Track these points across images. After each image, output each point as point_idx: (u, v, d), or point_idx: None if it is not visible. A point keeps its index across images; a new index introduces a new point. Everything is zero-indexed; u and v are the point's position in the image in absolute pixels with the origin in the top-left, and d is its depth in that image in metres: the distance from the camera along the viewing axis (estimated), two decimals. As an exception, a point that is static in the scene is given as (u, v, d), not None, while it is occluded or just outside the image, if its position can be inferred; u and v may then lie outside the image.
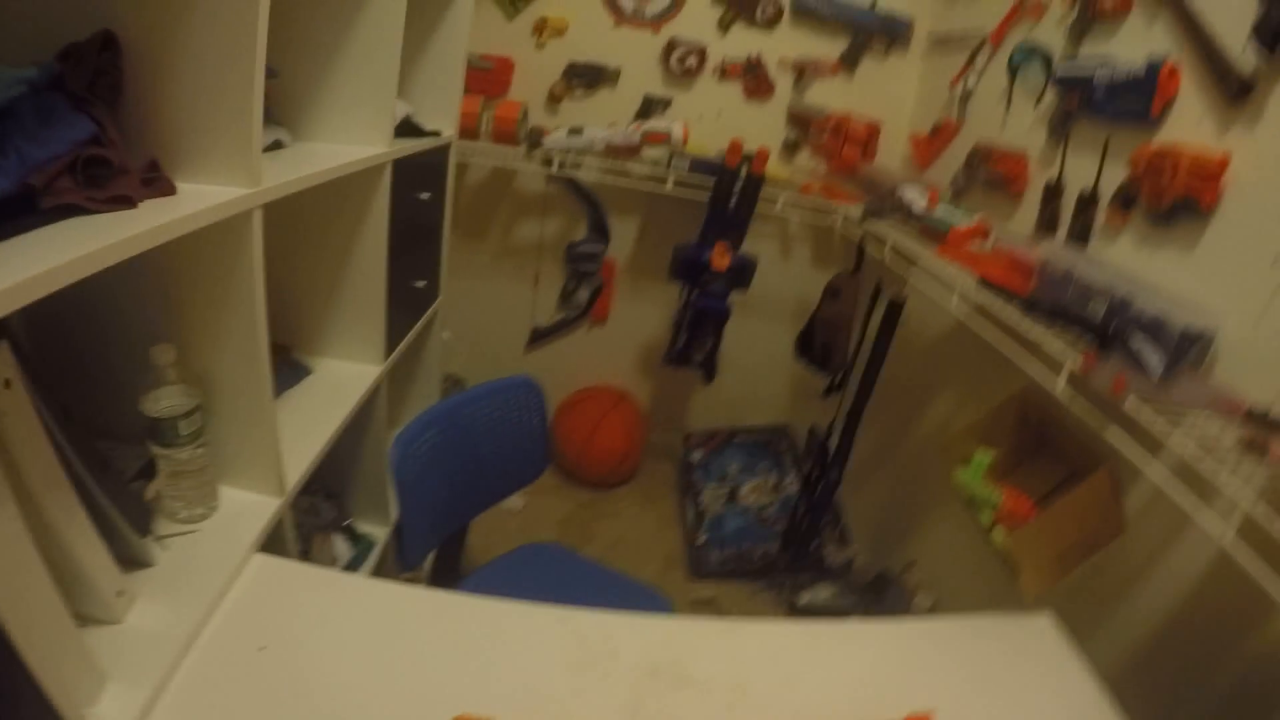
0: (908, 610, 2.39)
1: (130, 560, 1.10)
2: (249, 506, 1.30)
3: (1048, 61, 1.97)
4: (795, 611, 2.61)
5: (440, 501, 1.60)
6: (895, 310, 2.27)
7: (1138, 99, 1.57)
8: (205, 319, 1.18)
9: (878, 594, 2.54)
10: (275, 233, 1.58)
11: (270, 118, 1.46)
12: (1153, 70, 1.53)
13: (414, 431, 1.52)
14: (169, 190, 1.01)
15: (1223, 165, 1.38)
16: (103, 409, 1.22)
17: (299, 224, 1.66)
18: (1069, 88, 1.82)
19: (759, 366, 3.30)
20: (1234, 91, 1.38)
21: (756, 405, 3.38)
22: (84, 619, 0.98)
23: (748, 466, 3.11)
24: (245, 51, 1.01)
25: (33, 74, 0.90)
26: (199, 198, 1.02)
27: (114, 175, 0.93)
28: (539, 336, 3.27)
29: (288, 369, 1.68)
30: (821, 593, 2.63)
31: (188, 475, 1.21)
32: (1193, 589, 1.39)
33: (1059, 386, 1.37)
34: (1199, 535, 1.09)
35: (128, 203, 0.93)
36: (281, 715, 0.95)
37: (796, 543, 2.70)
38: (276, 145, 1.45)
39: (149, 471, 1.22)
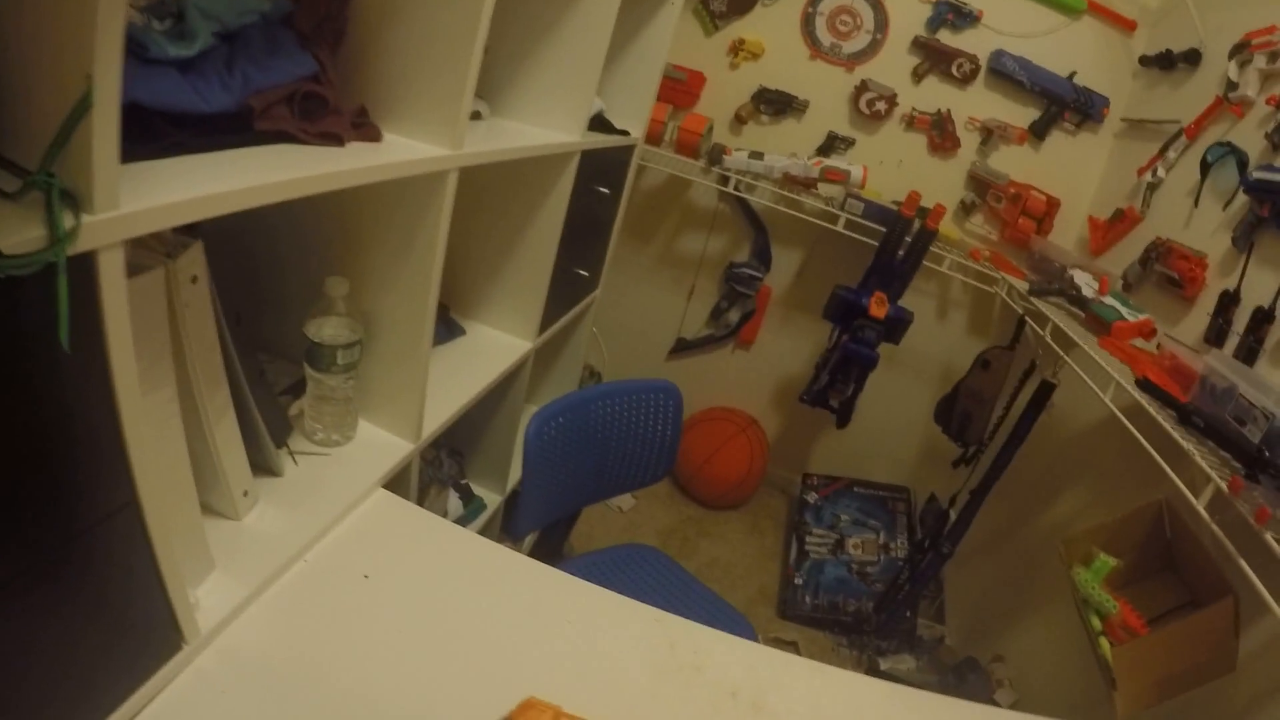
0: (988, 702, 2.32)
1: (262, 466, 1.17)
2: (383, 444, 1.37)
3: (1243, 164, 1.89)
4: (875, 675, 2.55)
5: (559, 483, 1.65)
6: (1046, 392, 2.20)
7: None
8: (383, 264, 1.26)
9: (960, 678, 2.46)
10: (460, 196, 1.69)
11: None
12: None
13: (553, 411, 1.58)
14: (376, 137, 1.08)
15: None
16: (269, 324, 1.32)
17: (483, 193, 1.75)
18: (1262, 194, 1.73)
19: (892, 423, 3.25)
20: None
21: (881, 461, 3.31)
22: (210, 510, 1.05)
23: (860, 520, 3.06)
24: (470, 19, 1.07)
25: (267, 6, 0.96)
26: (403, 150, 1.08)
27: (327, 113, 0.99)
28: (682, 347, 3.31)
29: (443, 326, 1.76)
30: (904, 663, 2.57)
31: (333, 402, 1.28)
32: None
33: (1202, 504, 1.29)
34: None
35: (336, 140, 1.00)
36: (368, 642, 0.99)
37: (891, 608, 2.65)
38: (476, 116, 1.52)
39: (297, 390, 1.30)
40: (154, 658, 0.83)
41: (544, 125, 1.67)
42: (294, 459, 1.24)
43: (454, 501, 1.96)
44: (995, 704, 2.27)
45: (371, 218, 1.23)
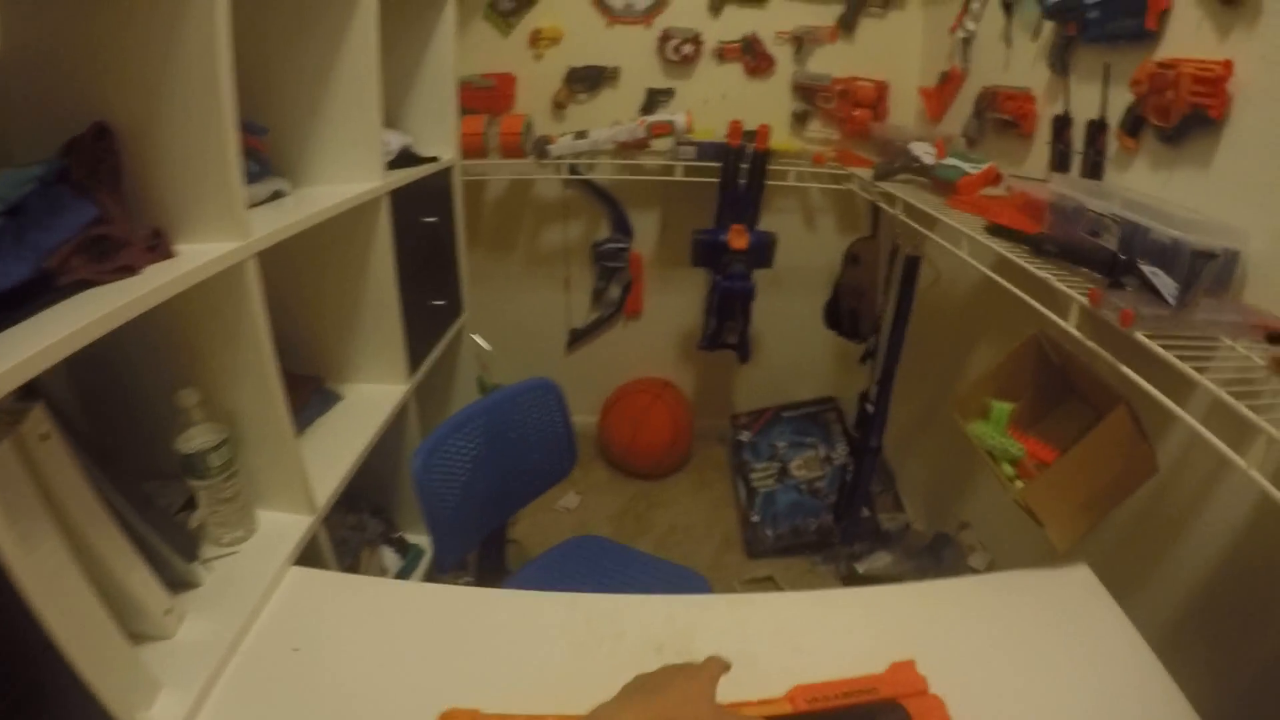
0: (965, 570, 2.40)
1: (179, 583, 1.21)
2: (285, 525, 1.40)
3: None
4: (854, 581, 2.63)
5: (469, 506, 1.68)
6: (912, 267, 2.27)
7: (1132, 16, 1.53)
8: (222, 362, 1.29)
9: (935, 557, 2.54)
10: (291, 273, 1.73)
11: (270, 171, 1.56)
12: None
13: (434, 441, 1.60)
14: (168, 254, 1.12)
15: (1226, 70, 1.32)
16: (148, 451, 1.34)
17: (313, 262, 1.76)
18: (1064, 15, 1.78)
19: (798, 341, 3.32)
20: None
21: (801, 380, 3.40)
22: (140, 637, 1.09)
23: (796, 441, 3.13)
24: (216, 115, 1.12)
25: (39, 170, 1.01)
26: (194, 257, 1.12)
27: (119, 248, 1.04)
28: (577, 337, 3.35)
29: (319, 398, 1.78)
30: (879, 560, 2.64)
31: (224, 503, 1.32)
32: (1240, 534, 1.34)
33: (1070, 325, 1.32)
34: (1242, 476, 0.95)
35: (130, 271, 1.04)
36: (311, 707, 1.04)
37: (848, 512, 2.73)
38: (277, 195, 1.54)
39: (193, 504, 1.33)
40: None
41: (345, 180, 1.69)
42: (207, 567, 1.28)
43: (390, 557, 1.99)
44: (972, 569, 2.35)
45: (196, 325, 1.26)
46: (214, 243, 1.17)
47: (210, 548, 1.33)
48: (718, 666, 0.81)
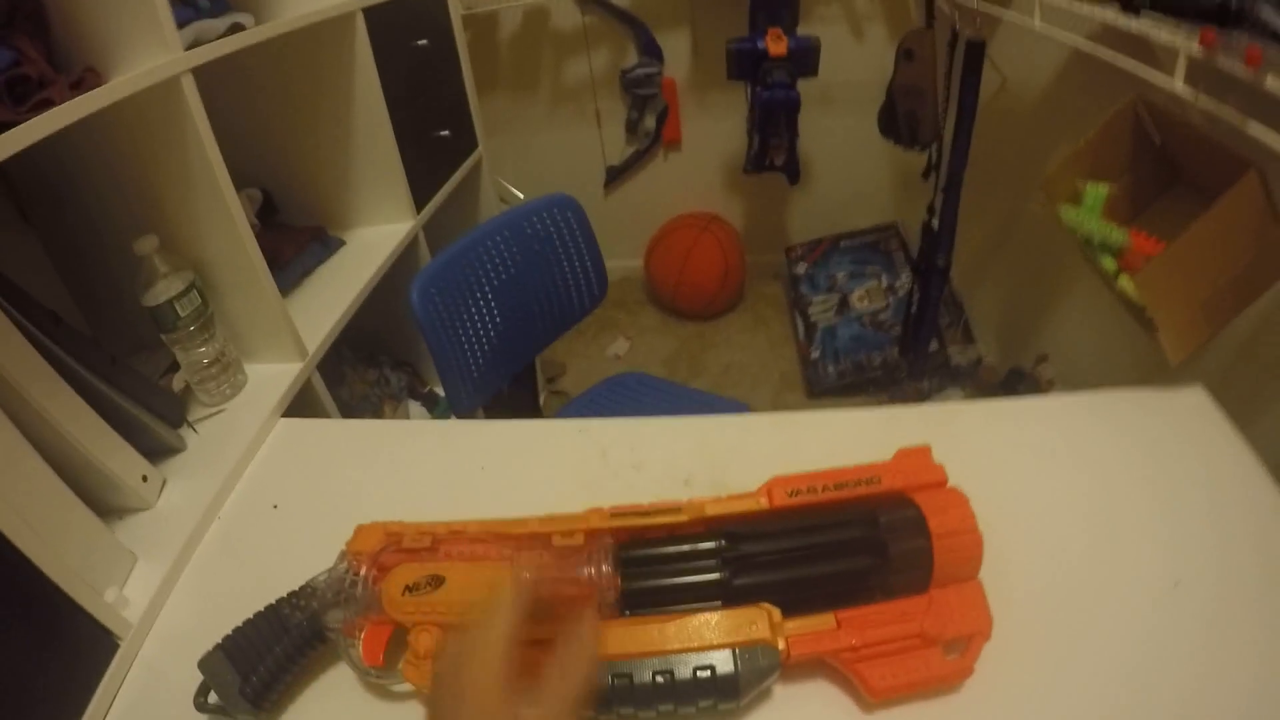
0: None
1: (164, 449, 1.14)
2: (273, 376, 1.31)
3: None
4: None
5: (485, 342, 1.54)
6: (976, 53, 1.99)
7: None
8: (177, 203, 1.18)
9: (1010, 392, 2.37)
10: (273, 120, 1.65)
11: (226, 6, 1.39)
12: None
13: (434, 269, 1.45)
14: (98, 83, 1.00)
15: None
16: (130, 323, 1.28)
17: (291, 105, 1.64)
18: None
19: (852, 163, 3.08)
20: None
21: (859, 206, 3.16)
22: (121, 510, 1.04)
23: (856, 271, 2.94)
24: None
25: None
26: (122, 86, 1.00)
27: (39, 88, 0.95)
28: (615, 175, 3.17)
29: (318, 245, 1.66)
30: (950, 397, 2.49)
31: (205, 358, 1.23)
32: None
33: (1177, 83, 1.11)
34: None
35: (49, 105, 0.94)
36: (285, 564, 0.94)
37: (915, 345, 2.54)
38: (235, 28, 1.38)
39: (174, 367, 1.25)
40: (96, 664, 0.83)
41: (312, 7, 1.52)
42: (194, 429, 1.20)
43: (416, 411, 1.90)
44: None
45: (145, 164, 1.15)
46: (139, 68, 1.04)
47: (198, 409, 1.25)
48: (506, 620, 0.58)
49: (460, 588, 0.71)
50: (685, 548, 0.71)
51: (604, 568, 0.69)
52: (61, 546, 0.81)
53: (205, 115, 1.11)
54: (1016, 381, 2.35)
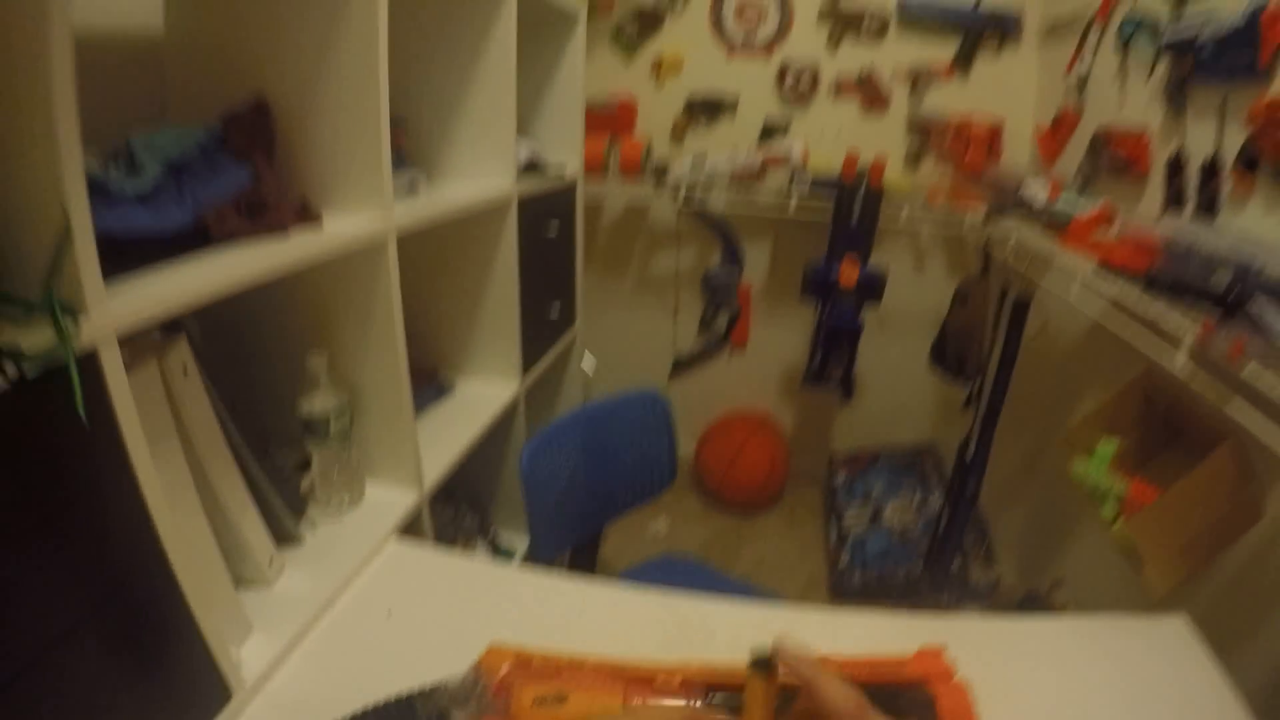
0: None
1: (285, 537, 1.26)
2: (391, 499, 1.45)
3: (1155, 30, 1.92)
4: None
5: (569, 507, 1.70)
6: (1021, 309, 2.22)
7: (1245, 52, 1.52)
8: (353, 333, 1.36)
9: (1024, 615, 2.46)
10: (418, 265, 1.82)
11: (405, 161, 1.63)
12: (1254, 18, 1.48)
13: (544, 438, 1.64)
14: (316, 222, 1.19)
15: None
16: (267, 413, 1.41)
17: (439, 257, 1.85)
18: (1179, 53, 1.77)
19: (902, 383, 3.28)
20: None
21: (902, 423, 3.35)
22: (242, 580, 1.15)
23: (892, 486, 3.08)
24: (370, 102, 1.20)
25: (202, 135, 1.10)
26: (341, 228, 1.19)
27: (270, 211, 1.12)
28: (681, 365, 3.37)
29: (432, 388, 1.84)
30: (967, 615, 2.57)
31: (336, 468, 1.37)
32: None
33: (1179, 363, 1.30)
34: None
35: (281, 229, 1.12)
36: (393, 667, 1.05)
37: (939, 563, 2.66)
38: (413, 186, 1.61)
39: (306, 466, 1.39)
40: (207, 710, 0.92)
41: (477, 177, 1.77)
42: (312, 527, 1.33)
43: (483, 554, 2.02)
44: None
45: (333, 294, 1.33)
46: (359, 217, 1.24)
47: (317, 509, 1.38)
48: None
49: (581, 706, 0.85)
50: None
51: (696, 702, 0.85)
52: (208, 597, 0.91)
53: (398, 271, 1.30)
54: (1031, 605, 2.45)
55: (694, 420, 3.36)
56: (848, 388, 2.90)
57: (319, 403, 1.31)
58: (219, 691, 0.93)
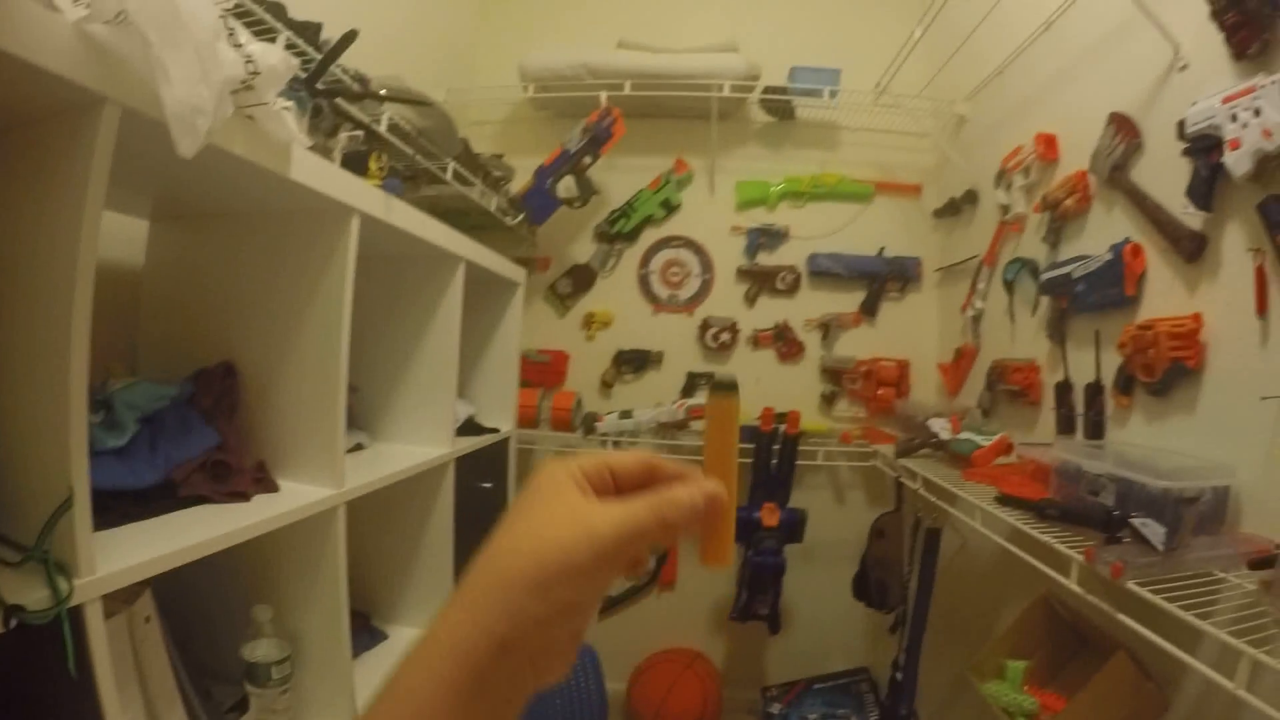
0: None
1: None
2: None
3: (1035, 270, 2.15)
4: None
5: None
6: (934, 539, 2.39)
7: (1113, 285, 1.72)
8: (298, 589, 1.43)
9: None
10: (358, 518, 1.88)
11: (353, 424, 1.78)
12: (1117, 253, 1.69)
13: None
14: (273, 488, 1.32)
15: (1197, 323, 1.48)
16: (208, 651, 1.44)
17: (378, 512, 1.93)
18: (1056, 290, 1.98)
19: (831, 612, 3.34)
20: (1190, 253, 1.51)
21: (833, 651, 3.39)
22: None
23: (828, 714, 3.08)
24: (331, 376, 1.35)
25: (174, 391, 1.23)
26: (296, 496, 1.31)
27: (233, 474, 1.23)
28: (610, 604, 3.39)
29: (366, 634, 1.88)
30: (908, 839, 2.57)
31: (274, 713, 1.40)
32: None
33: (1071, 583, 1.38)
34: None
35: (243, 497, 1.23)
36: None
37: (878, 789, 2.68)
38: (358, 447, 1.76)
39: (241, 708, 1.42)
40: None
41: (418, 442, 1.91)
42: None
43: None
44: None
45: (283, 552, 1.41)
46: (312, 485, 1.36)
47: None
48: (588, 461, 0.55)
49: None
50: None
51: None
52: None
53: (345, 538, 1.40)
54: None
55: (624, 660, 3.33)
56: (774, 622, 2.99)
57: (262, 651, 1.36)
58: None
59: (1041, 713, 1.55)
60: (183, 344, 1.38)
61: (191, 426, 1.23)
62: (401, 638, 1.98)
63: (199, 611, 1.50)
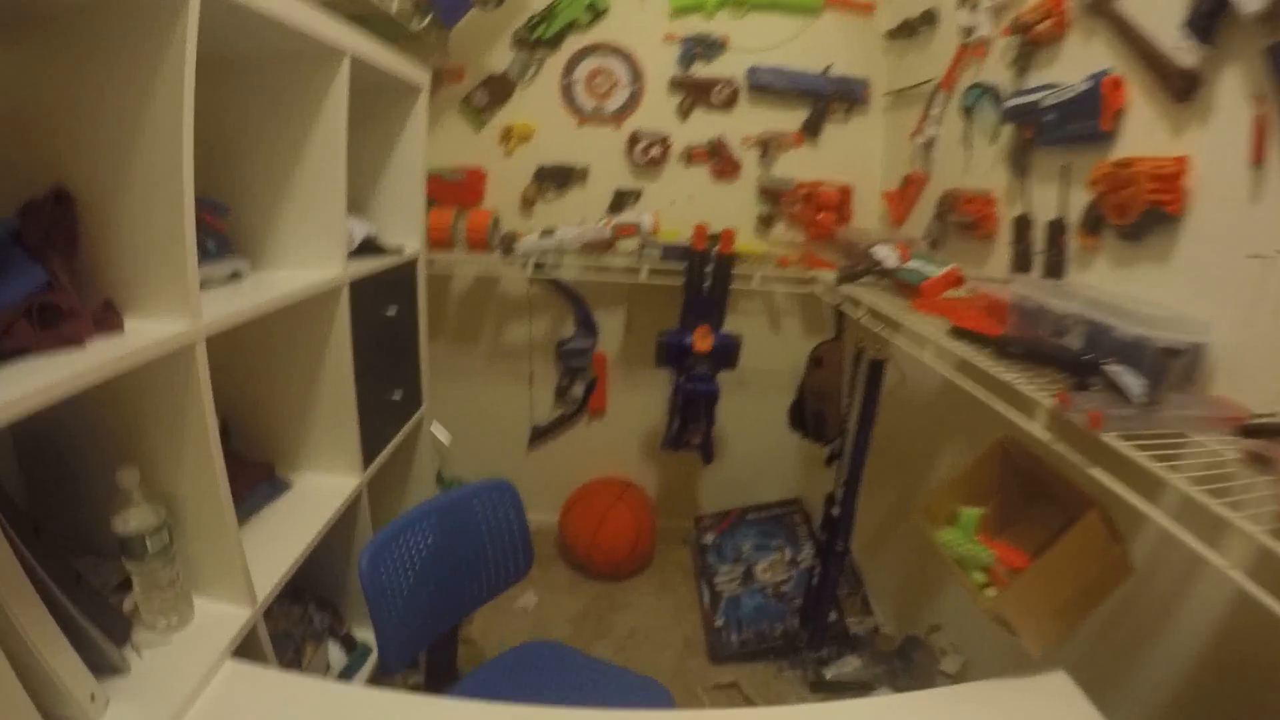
0: (936, 674, 2.34)
1: (107, 667, 1.15)
2: (222, 616, 1.34)
3: (998, 98, 2.00)
4: (822, 687, 2.55)
5: (419, 606, 1.61)
6: (877, 370, 2.27)
7: (1087, 118, 1.57)
8: (164, 443, 1.26)
9: (905, 660, 2.48)
10: (246, 357, 1.73)
11: (229, 250, 1.54)
12: (1095, 85, 1.54)
13: (383, 539, 1.55)
14: (118, 327, 1.10)
15: (1181, 167, 1.36)
16: (84, 527, 1.31)
17: (268, 348, 1.75)
18: (1021, 120, 1.83)
19: (764, 442, 3.30)
20: (1180, 91, 1.37)
21: (767, 481, 3.37)
22: None
23: (761, 544, 3.08)
24: (174, 199, 1.12)
25: None
26: (142, 335, 1.10)
27: (65, 318, 1.02)
28: (539, 434, 3.31)
29: (267, 486, 1.73)
30: (848, 665, 2.57)
31: (160, 588, 1.27)
32: (1219, 630, 1.31)
33: (1036, 429, 1.32)
34: (1218, 570, 0.95)
35: (75, 343, 1.02)
36: None
37: (815, 617, 2.66)
38: (235, 275, 1.52)
39: (128, 584, 1.28)
40: None
41: (306, 266, 1.68)
42: (139, 653, 1.21)
43: (335, 654, 1.90)
44: (944, 674, 2.29)
45: (141, 402, 1.23)
46: (163, 321, 1.15)
47: (143, 633, 1.27)
48: None
49: None
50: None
51: None
52: None
53: (209, 378, 1.21)
54: (912, 649, 2.47)
55: (557, 490, 3.30)
56: (707, 451, 2.90)
57: (134, 521, 1.21)
58: None
59: (998, 566, 1.43)
60: (10, 181, 1.13)
61: (13, 267, 1.03)
62: (307, 485, 1.84)
63: (70, 488, 1.36)
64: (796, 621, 2.75)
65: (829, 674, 2.55)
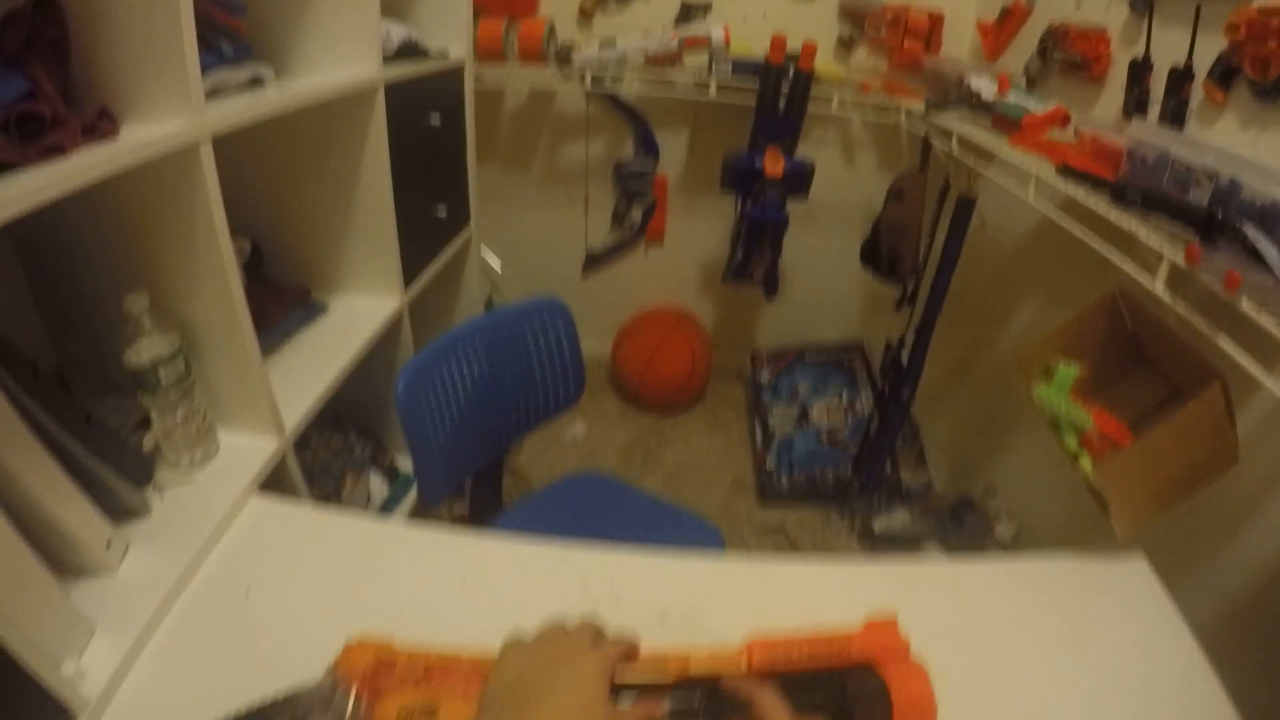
0: (989, 539, 2.27)
1: (126, 510, 1.10)
2: (249, 449, 1.27)
3: None
4: (870, 538, 2.50)
5: (462, 435, 1.53)
6: (966, 208, 2.07)
7: None
8: (175, 263, 1.15)
9: (957, 520, 2.41)
10: (278, 173, 1.62)
11: (248, 54, 1.38)
12: None
13: (420, 362, 1.45)
14: (111, 134, 0.97)
15: None
16: (103, 365, 1.23)
17: (299, 161, 1.62)
18: None
19: (829, 279, 3.15)
20: None
21: (829, 321, 3.23)
22: (78, 571, 0.98)
23: (818, 386, 2.99)
24: None
25: None
26: (137, 137, 0.97)
27: (49, 128, 0.90)
28: (593, 261, 3.19)
29: (302, 310, 1.64)
30: (897, 519, 2.51)
31: (180, 422, 1.20)
32: None
33: (1158, 285, 1.18)
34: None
35: (59, 152, 0.90)
36: (258, 656, 0.93)
37: (869, 465, 2.58)
38: (256, 81, 1.37)
39: (147, 423, 1.21)
40: None
41: (335, 69, 1.52)
42: (160, 492, 1.16)
43: (377, 484, 1.86)
44: (996, 540, 2.22)
45: (147, 217, 1.12)
46: (161, 122, 1.01)
47: (167, 471, 1.20)
48: (615, 653, 0.70)
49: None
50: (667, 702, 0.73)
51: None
52: (17, 609, 0.77)
53: (218, 184, 1.08)
54: (964, 511, 2.39)
55: (610, 319, 3.22)
56: (771, 284, 2.74)
57: (146, 351, 1.12)
58: (61, 716, 0.80)
59: (1093, 432, 1.28)
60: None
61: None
62: (344, 308, 1.75)
63: (87, 327, 1.26)
64: (849, 468, 2.68)
65: (877, 527, 2.49)
